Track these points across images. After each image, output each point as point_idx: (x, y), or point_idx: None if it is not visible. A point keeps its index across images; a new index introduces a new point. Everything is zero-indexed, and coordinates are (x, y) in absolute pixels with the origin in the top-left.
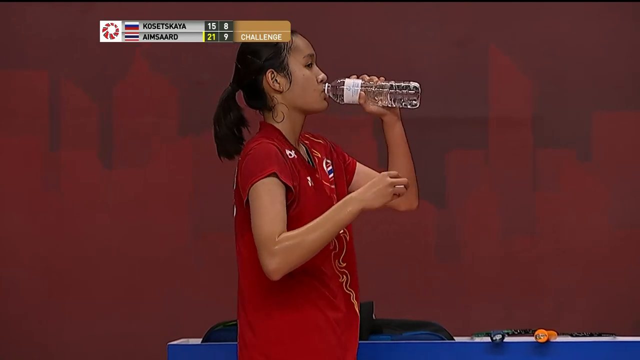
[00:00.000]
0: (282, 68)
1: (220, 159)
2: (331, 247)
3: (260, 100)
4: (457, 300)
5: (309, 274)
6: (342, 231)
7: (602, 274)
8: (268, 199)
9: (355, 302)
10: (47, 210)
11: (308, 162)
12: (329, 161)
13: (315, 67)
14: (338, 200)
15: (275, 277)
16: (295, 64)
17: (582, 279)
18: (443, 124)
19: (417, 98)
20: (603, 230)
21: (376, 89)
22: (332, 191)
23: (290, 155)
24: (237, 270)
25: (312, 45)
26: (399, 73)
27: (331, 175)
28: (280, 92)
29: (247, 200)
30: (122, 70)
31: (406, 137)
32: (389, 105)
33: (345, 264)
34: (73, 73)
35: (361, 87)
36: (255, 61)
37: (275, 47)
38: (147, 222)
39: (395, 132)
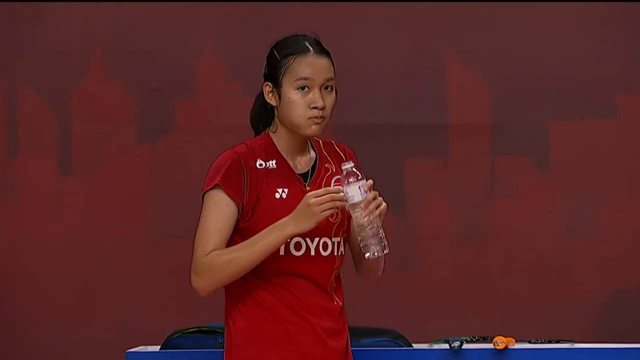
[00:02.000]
0: (277, 84)
1: None
2: (333, 261)
3: (269, 104)
4: (414, 307)
5: (262, 277)
6: (338, 239)
7: (560, 280)
8: (208, 212)
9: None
10: (3, 217)
11: (301, 173)
12: None
13: (313, 93)
14: (338, 217)
15: (201, 294)
16: (287, 85)
17: (539, 286)
18: (401, 131)
19: (369, 252)
20: (559, 238)
21: (359, 214)
22: None
23: (261, 165)
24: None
25: (325, 69)
26: (355, 80)
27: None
28: (275, 106)
29: None
30: (79, 77)
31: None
32: (357, 232)
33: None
34: (30, 80)
35: (352, 200)
36: (264, 68)
37: (277, 62)
38: (103, 229)
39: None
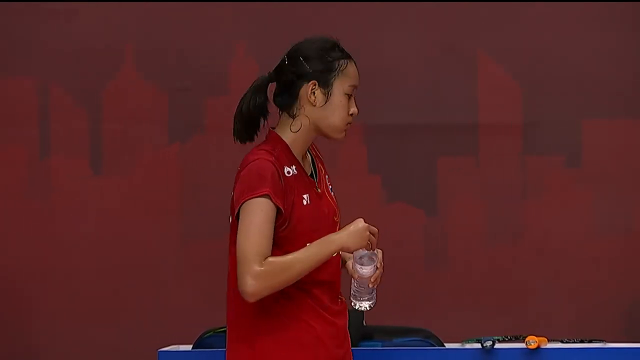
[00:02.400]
0: (326, 85)
1: (235, 141)
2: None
3: (289, 102)
4: (446, 307)
5: (302, 289)
6: None
7: (591, 280)
8: (258, 218)
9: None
10: (36, 216)
11: (311, 174)
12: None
13: (352, 100)
14: (334, 216)
15: (252, 299)
16: (339, 87)
17: (571, 285)
18: (433, 131)
19: (359, 304)
20: (591, 237)
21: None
22: (332, 206)
23: (289, 173)
24: (225, 276)
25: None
26: (387, 80)
27: (332, 193)
28: (313, 106)
29: (238, 215)
30: (110, 77)
31: None
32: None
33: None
34: (62, 79)
35: (364, 275)
36: (304, 66)
37: (330, 63)
38: (135, 228)
39: None
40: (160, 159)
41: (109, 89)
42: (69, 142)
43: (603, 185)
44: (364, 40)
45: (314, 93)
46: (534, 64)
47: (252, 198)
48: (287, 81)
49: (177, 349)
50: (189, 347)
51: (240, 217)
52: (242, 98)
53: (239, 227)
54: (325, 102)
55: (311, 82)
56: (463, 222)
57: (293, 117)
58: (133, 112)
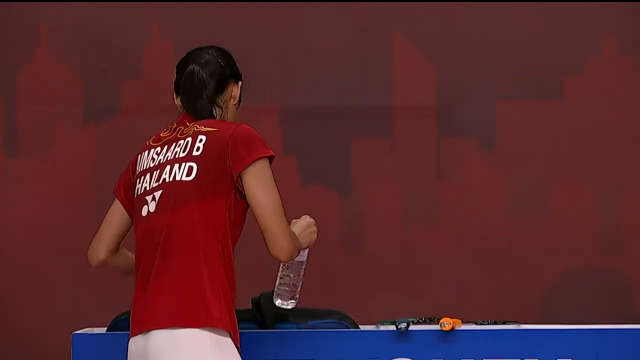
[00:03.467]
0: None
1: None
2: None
3: (216, 95)
4: (361, 289)
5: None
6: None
7: (506, 262)
8: (273, 182)
9: None
10: None
11: None
12: None
13: None
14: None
15: (288, 258)
16: None
17: (485, 268)
18: (348, 113)
19: (280, 300)
20: (506, 219)
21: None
22: None
23: None
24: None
25: None
26: (302, 62)
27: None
28: (234, 105)
29: (241, 172)
30: (24, 59)
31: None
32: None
33: None
34: None
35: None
36: (237, 68)
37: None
38: (49, 211)
39: None
40: (75, 141)
41: (23, 70)
42: None
43: (517, 168)
44: (279, 23)
45: (237, 93)
46: (448, 47)
47: (267, 156)
48: (223, 76)
49: (92, 332)
50: (103, 330)
51: (255, 173)
52: (193, 92)
53: (259, 184)
54: (239, 104)
55: (240, 82)
56: (378, 204)
57: (221, 107)
58: (47, 94)
